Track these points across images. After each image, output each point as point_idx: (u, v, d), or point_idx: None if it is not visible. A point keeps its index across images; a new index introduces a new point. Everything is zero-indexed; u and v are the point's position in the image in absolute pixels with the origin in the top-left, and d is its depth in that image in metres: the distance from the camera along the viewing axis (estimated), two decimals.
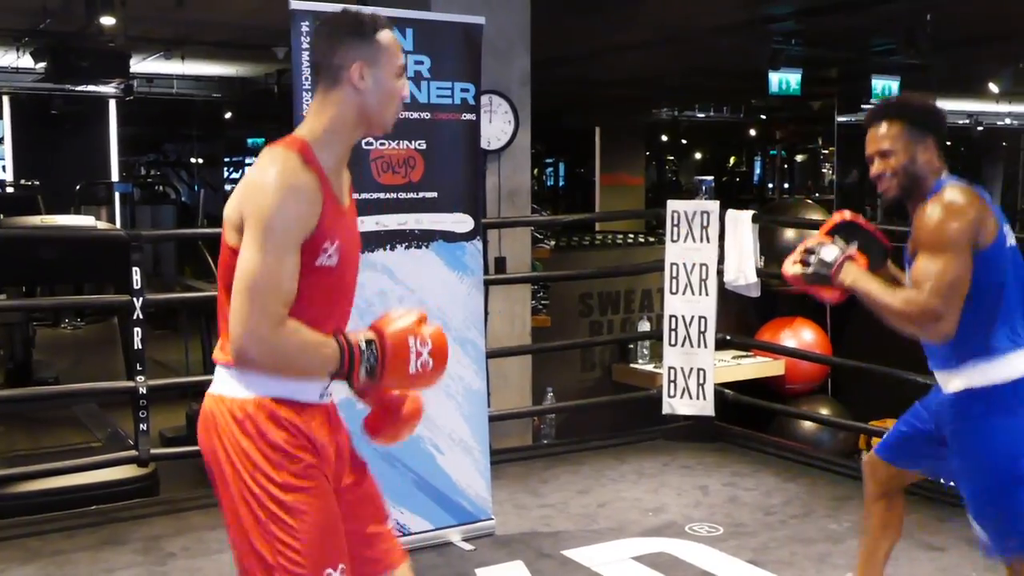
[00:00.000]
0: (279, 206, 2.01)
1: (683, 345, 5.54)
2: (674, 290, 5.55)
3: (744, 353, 8.18)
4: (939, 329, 2.58)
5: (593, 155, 18.75)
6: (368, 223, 3.85)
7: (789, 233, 7.95)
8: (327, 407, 2.20)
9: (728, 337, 6.02)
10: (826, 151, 21.92)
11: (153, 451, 4.66)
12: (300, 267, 2.05)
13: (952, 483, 2.91)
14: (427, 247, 4.01)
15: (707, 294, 5.49)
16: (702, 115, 19.10)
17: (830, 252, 2.75)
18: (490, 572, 3.87)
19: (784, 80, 10.93)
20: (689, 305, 5.52)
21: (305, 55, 3.61)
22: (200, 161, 22.35)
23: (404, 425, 2.29)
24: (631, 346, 8.09)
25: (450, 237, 4.05)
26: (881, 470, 3.04)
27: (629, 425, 5.98)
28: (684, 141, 24.37)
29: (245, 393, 2.09)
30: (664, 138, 23.23)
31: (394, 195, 3.92)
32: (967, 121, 19.24)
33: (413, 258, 3.96)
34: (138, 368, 4.58)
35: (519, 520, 4.43)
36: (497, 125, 5.47)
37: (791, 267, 2.83)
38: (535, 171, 22.56)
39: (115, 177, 15.95)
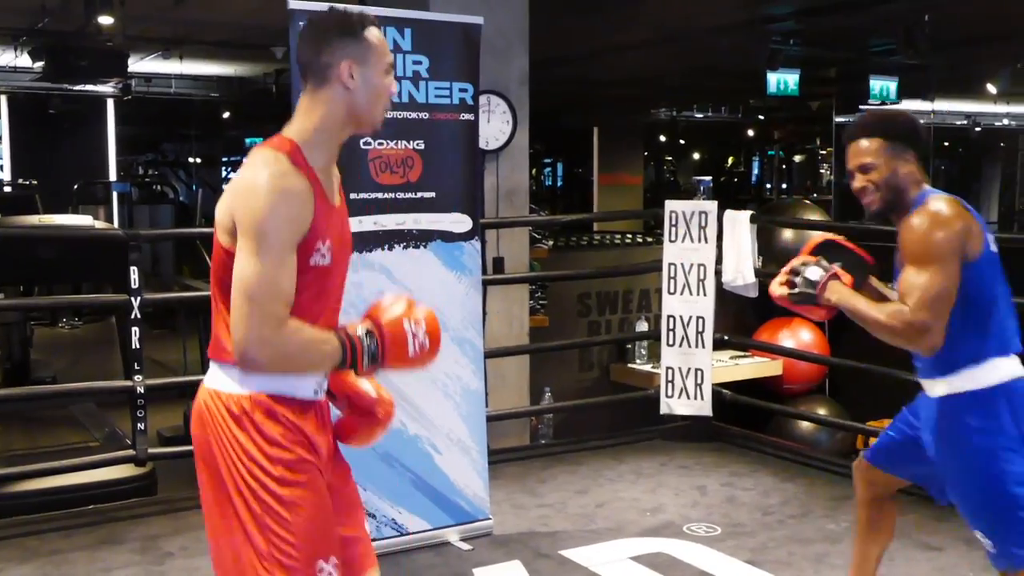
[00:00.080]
0: (271, 209, 2.02)
1: (681, 345, 5.54)
2: (672, 290, 5.55)
3: (742, 353, 8.18)
4: (927, 341, 2.59)
5: (591, 155, 18.74)
6: (366, 223, 3.85)
7: (787, 233, 7.95)
8: (320, 404, 2.22)
9: (726, 337, 6.02)
10: (824, 151, 21.91)
11: (151, 451, 4.66)
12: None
13: (938, 498, 2.91)
14: (425, 247, 4.01)
15: (705, 294, 5.50)
16: (700, 115, 19.11)
17: (815, 272, 2.78)
18: (488, 572, 3.87)
19: (782, 80, 10.93)
20: (687, 305, 5.52)
21: None
22: (198, 161, 22.33)
23: (379, 427, 2.30)
24: (629, 346, 8.09)
25: (448, 237, 4.05)
26: (871, 475, 3.05)
27: (627, 425, 5.98)
28: (682, 141, 24.35)
29: (241, 389, 2.11)
30: (662, 138, 23.23)
31: (392, 195, 3.92)
32: (965, 122, 19.25)
33: (411, 258, 3.96)
34: (136, 367, 4.58)
35: (517, 520, 4.43)
36: (495, 125, 5.47)
37: (778, 288, 2.86)
38: (533, 171, 22.56)
39: (113, 177, 15.94)
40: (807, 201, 12.14)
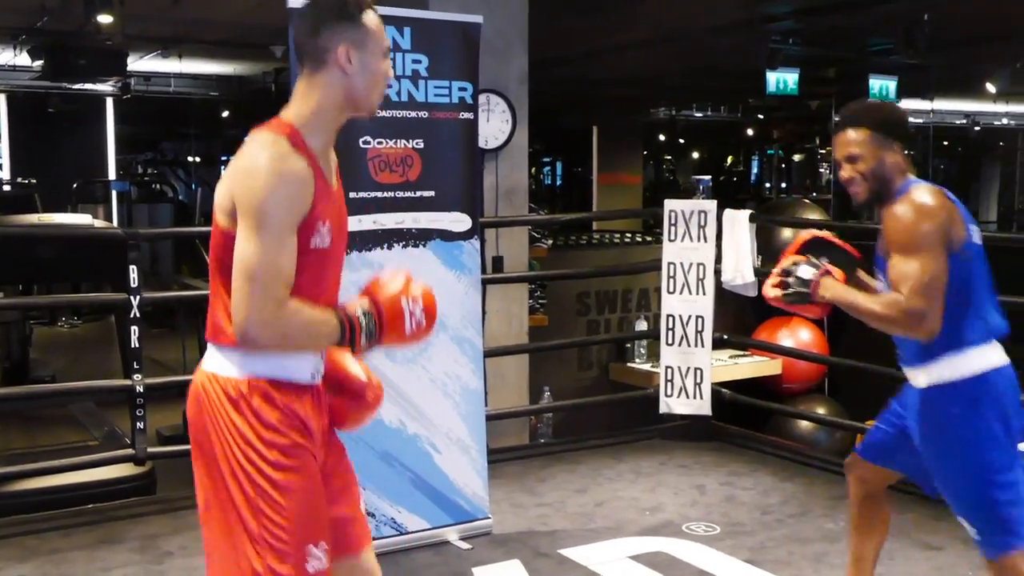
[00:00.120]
0: (272, 191, 2.04)
1: (680, 344, 5.54)
2: (671, 289, 5.55)
3: (741, 352, 8.18)
4: (925, 327, 2.62)
5: (591, 154, 18.75)
6: (366, 222, 3.85)
7: (786, 233, 7.94)
8: (317, 388, 2.24)
9: (725, 336, 6.02)
10: (823, 151, 21.94)
11: (150, 450, 4.65)
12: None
13: (927, 490, 2.93)
14: (424, 246, 4.00)
15: (704, 293, 5.50)
16: (700, 115, 19.12)
17: (807, 271, 2.81)
18: (487, 571, 3.87)
19: (782, 80, 10.93)
20: (686, 304, 5.52)
21: None
22: (197, 160, 22.31)
23: (368, 410, 2.36)
24: (628, 345, 8.09)
25: (447, 236, 4.05)
26: (863, 470, 3.07)
27: (626, 424, 5.98)
28: (682, 140, 24.36)
29: (239, 372, 2.13)
30: (662, 137, 23.23)
31: (392, 194, 3.92)
32: (965, 121, 19.26)
33: (410, 257, 3.95)
34: (135, 366, 4.58)
35: (516, 519, 4.43)
36: (495, 124, 5.46)
37: (771, 290, 2.89)
38: (533, 170, 22.58)
39: (112, 175, 15.93)
40: (806, 200, 12.13)
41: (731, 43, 10.25)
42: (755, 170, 26.40)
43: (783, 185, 24.78)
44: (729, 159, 26.44)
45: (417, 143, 3.95)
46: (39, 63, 10.89)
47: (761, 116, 20.08)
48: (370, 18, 2.19)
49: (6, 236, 5.86)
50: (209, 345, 2.19)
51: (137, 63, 12.12)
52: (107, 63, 10.83)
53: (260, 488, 2.10)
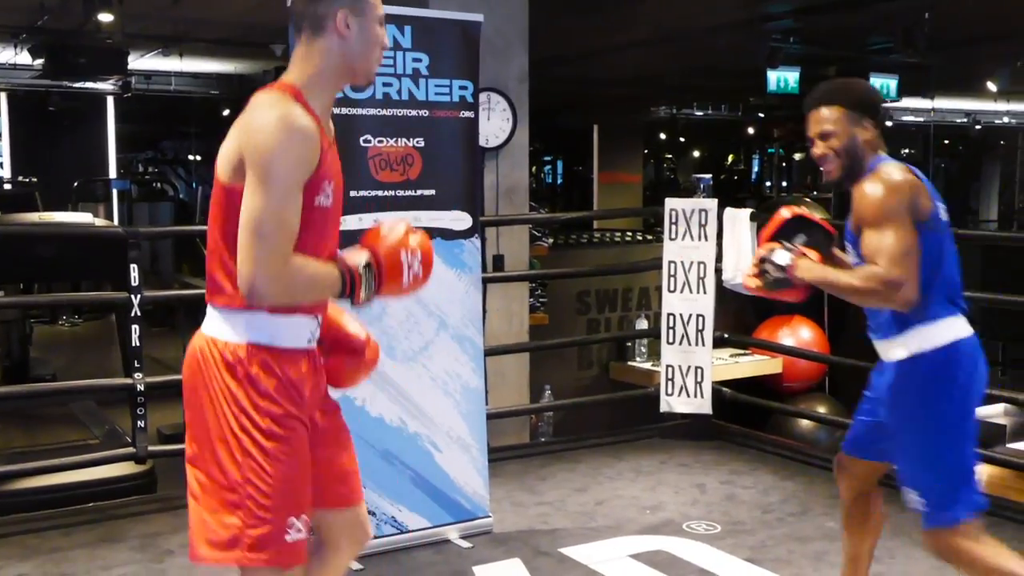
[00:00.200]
0: (282, 147, 2.07)
1: (681, 343, 5.54)
2: (672, 288, 5.55)
3: (742, 351, 8.19)
4: (903, 296, 2.66)
5: (591, 153, 18.74)
6: (366, 220, 3.84)
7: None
8: (312, 352, 2.29)
9: (726, 335, 6.03)
10: None
11: (151, 448, 4.65)
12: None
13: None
14: None
15: (705, 292, 5.50)
16: (700, 113, 19.10)
17: (782, 256, 2.87)
18: (488, 570, 3.87)
19: (782, 78, 10.92)
20: (687, 303, 5.52)
21: None
22: (198, 158, 22.30)
23: (365, 368, 2.44)
24: (629, 344, 8.09)
25: (448, 235, 4.05)
26: (851, 466, 3.09)
27: (626, 423, 5.98)
28: (682, 139, 24.35)
29: (238, 337, 2.16)
30: (662, 136, 23.22)
31: (392, 192, 3.92)
32: (965, 120, 19.24)
33: None
34: (136, 365, 4.58)
35: (517, 518, 4.43)
36: (495, 123, 5.46)
37: (751, 280, 2.95)
38: (533, 169, 22.57)
39: (113, 174, 15.94)
40: (807, 199, 12.15)
41: (731, 42, 10.24)
42: (756, 169, 26.39)
43: (784, 184, 24.76)
44: (730, 158, 26.43)
45: (418, 142, 3.95)
46: (40, 62, 10.89)
47: (762, 115, 20.07)
48: None
49: (7, 235, 5.87)
50: (208, 308, 2.22)
51: (138, 62, 12.12)
52: (107, 62, 10.83)
53: (249, 454, 2.13)
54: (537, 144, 20.16)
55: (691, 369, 5.53)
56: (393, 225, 2.29)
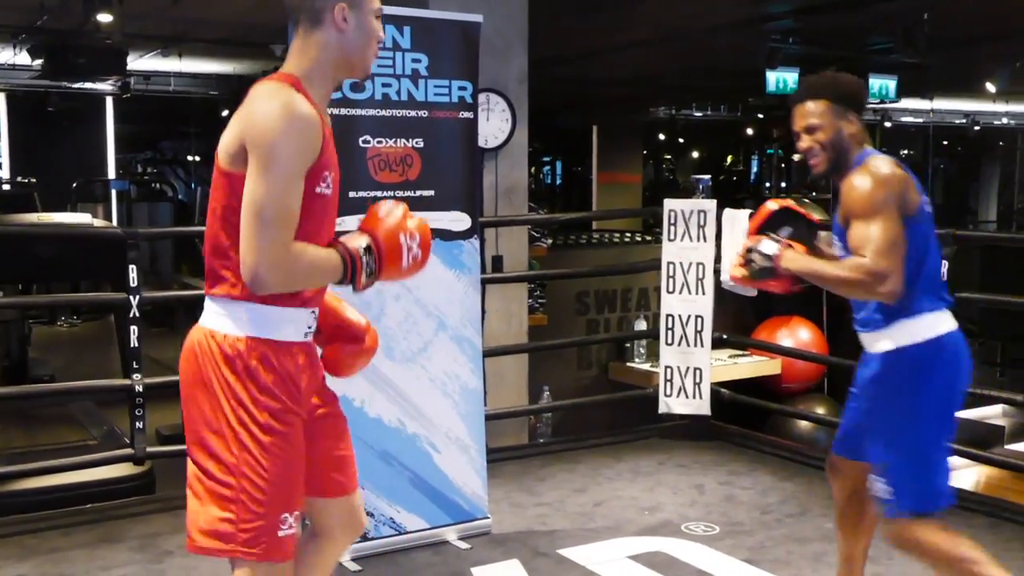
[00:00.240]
0: (286, 135, 2.09)
1: (680, 344, 5.54)
2: (671, 289, 5.55)
3: (741, 352, 8.19)
4: (888, 288, 2.67)
5: (590, 153, 18.74)
6: None
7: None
8: (309, 345, 2.30)
9: (725, 336, 6.02)
10: None
11: (149, 449, 4.65)
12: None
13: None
14: None
15: (704, 293, 5.50)
16: (699, 114, 19.11)
17: (769, 246, 2.89)
18: (486, 571, 3.86)
19: (782, 79, 10.91)
20: (686, 304, 5.52)
21: None
22: (197, 159, 22.31)
23: (364, 355, 2.46)
24: (628, 345, 8.09)
25: (447, 235, 4.05)
26: (841, 467, 3.11)
27: (625, 424, 5.98)
28: (681, 140, 24.35)
29: (236, 331, 2.18)
30: (661, 137, 23.22)
31: (391, 193, 3.91)
32: (964, 120, 19.25)
33: None
34: (134, 366, 4.58)
35: (515, 519, 4.43)
36: (494, 123, 5.46)
37: (737, 271, 2.98)
38: (532, 169, 22.57)
39: (112, 175, 15.94)
40: (806, 199, 12.14)
41: (731, 42, 10.24)
42: (755, 169, 26.38)
43: (783, 184, 24.74)
44: (729, 158, 26.42)
45: (417, 142, 3.95)
46: (39, 62, 10.87)
47: (761, 115, 20.07)
48: None
49: (5, 235, 5.87)
50: (207, 300, 2.23)
51: (137, 62, 12.12)
52: (107, 62, 10.82)
53: (246, 447, 2.14)
54: (536, 144, 20.17)
55: (690, 370, 5.52)
56: (391, 208, 2.30)
